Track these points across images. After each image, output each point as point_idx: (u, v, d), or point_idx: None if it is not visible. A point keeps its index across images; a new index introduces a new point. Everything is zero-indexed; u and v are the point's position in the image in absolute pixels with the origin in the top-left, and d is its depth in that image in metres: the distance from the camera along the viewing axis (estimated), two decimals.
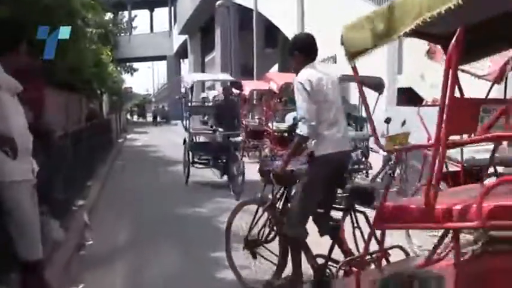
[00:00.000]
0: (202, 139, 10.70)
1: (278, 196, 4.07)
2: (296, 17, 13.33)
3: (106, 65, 19.11)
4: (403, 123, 6.87)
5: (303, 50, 3.82)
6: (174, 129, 34.14)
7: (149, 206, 8.06)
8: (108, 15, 34.57)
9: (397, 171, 6.64)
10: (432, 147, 2.49)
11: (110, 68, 21.58)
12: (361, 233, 3.52)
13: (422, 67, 8.96)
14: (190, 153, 9.93)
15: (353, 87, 9.22)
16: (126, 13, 49.37)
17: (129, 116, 51.76)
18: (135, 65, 50.70)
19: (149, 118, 50.83)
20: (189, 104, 11.01)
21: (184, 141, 10.28)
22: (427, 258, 2.63)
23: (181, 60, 52.83)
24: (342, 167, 3.86)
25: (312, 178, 3.70)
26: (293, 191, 3.94)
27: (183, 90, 12.18)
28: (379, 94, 7.84)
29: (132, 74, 49.26)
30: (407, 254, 3.36)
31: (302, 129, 3.63)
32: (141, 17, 73.59)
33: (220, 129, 9.26)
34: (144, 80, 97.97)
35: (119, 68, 36.79)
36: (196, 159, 9.95)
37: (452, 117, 2.28)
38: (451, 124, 2.30)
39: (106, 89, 23.21)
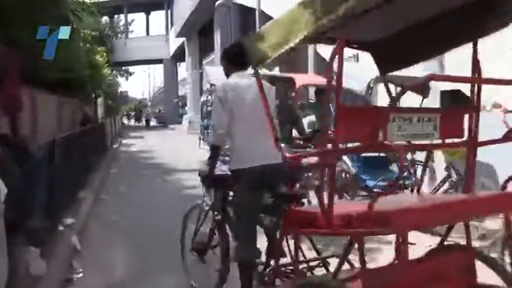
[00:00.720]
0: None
1: (218, 200, 4.03)
2: None
3: (100, 67, 18.28)
4: (368, 88, 5.95)
5: (228, 58, 3.82)
6: (169, 133, 33.40)
7: (154, 224, 6.79)
8: (105, 19, 34.22)
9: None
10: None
11: (105, 71, 20.71)
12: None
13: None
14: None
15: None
16: (122, 16, 49.07)
17: (125, 120, 51.35)
18: (131, 68, 50.28)
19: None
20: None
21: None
22: (337, 266, 2.63)
23: (177, 64, 52.05)
24: (266, 180, 3.55)
25: (237, 196, 3.68)
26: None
27: (208, 86, 10.65)
28: (424, 98, 6.69)
29: (127, 78, 48.99)
30: (350, 264, 3.06)
31: (211, 137, 3.78)
32: (137, 21, 73.31)
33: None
34: (140, 84, 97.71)
35: (114, 72, 36.26)
36: None
37: (344, 125, 2.32)
38: (343, 132, 2.34)
39: (101, 92, 22.36)
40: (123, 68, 49.11)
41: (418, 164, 6.38)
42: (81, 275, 4.73)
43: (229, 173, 3.72)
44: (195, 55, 41.33)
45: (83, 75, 13.65)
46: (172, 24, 46.65)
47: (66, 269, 4.75)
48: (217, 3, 23.96)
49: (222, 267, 3.90)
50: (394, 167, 6.54)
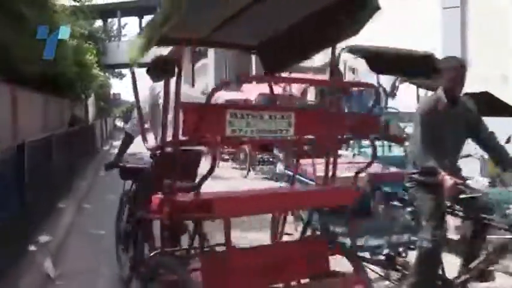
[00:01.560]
0: None
1: (131, 191, 4.26)
2: None
3: (90, 67, 17.04)
4: (508, 139, 4.63)
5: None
6: None
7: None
8: (99, 24, 33.16)
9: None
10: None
11: (96, 71, 19.43)
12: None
13: (500, 66, 6.65)
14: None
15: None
16: (115, 20, 48.21)
17: (118, 122, 49.97)
18: (124, 71, 49.07)
19: None
20: None
21: None
22: (186, 251, 2.88)
23: None
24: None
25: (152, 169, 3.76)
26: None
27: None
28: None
29: (121, 78, 48.08)
30: None
31: (128, 127, 4.15)
32: (130, 24, 72.60)
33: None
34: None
35: (106, 74, 35.15)
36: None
37: (188, 121, 2.33)
38: (185, 127, 2.35)
39: (92, 92, 21.10)
40: (116, 70, 47.96)
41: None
42: None
43: (141, 166, 4.04)
44: (187, 58, 40.27)
45: (70, 73, 12.44)
46: None
47: None
48: None
49: (135, 253, 3.93)
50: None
